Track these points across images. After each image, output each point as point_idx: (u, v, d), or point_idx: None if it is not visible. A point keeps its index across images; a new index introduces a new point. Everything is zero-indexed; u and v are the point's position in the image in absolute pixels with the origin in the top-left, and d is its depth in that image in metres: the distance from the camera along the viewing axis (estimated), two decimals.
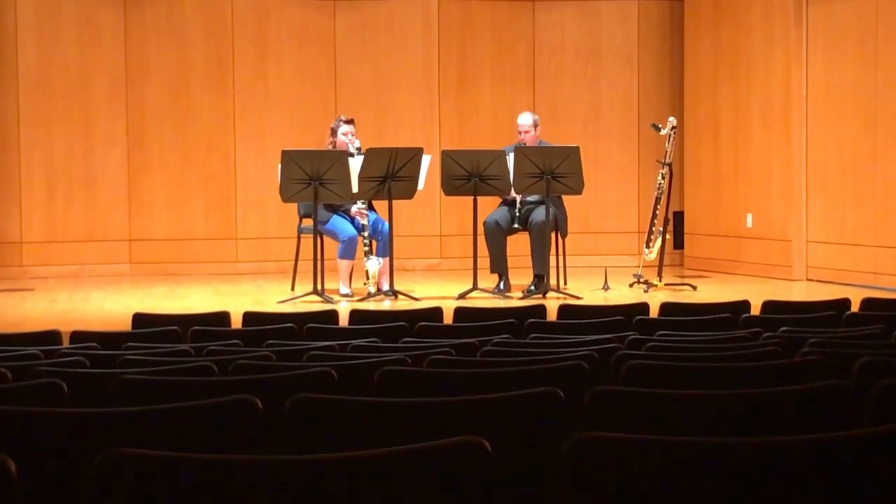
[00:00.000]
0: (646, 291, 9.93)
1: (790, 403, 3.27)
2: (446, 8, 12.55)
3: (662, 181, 10.35)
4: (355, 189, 9.30)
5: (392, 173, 9.32)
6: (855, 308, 6.71)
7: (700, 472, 2.36)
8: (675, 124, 10.42)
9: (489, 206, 10.36)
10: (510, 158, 9.54)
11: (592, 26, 12.78)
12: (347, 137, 9.90)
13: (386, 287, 9.56)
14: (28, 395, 3.56)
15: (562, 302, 8.36)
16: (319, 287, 9.33)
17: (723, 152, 12.01)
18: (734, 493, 2.37)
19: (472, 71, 12.64)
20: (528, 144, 9.96)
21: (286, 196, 9.27)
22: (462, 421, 3.11)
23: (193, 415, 3.06)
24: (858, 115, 10.61)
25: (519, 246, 10.33)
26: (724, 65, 11.96)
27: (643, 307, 6.80)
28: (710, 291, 10.08)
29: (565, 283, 10.08)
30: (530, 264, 9.81)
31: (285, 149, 9.49)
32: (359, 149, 9.78)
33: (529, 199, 9.96)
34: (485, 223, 9.97)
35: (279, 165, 9.26)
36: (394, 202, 9.54)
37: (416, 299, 9.34)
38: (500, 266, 9.89)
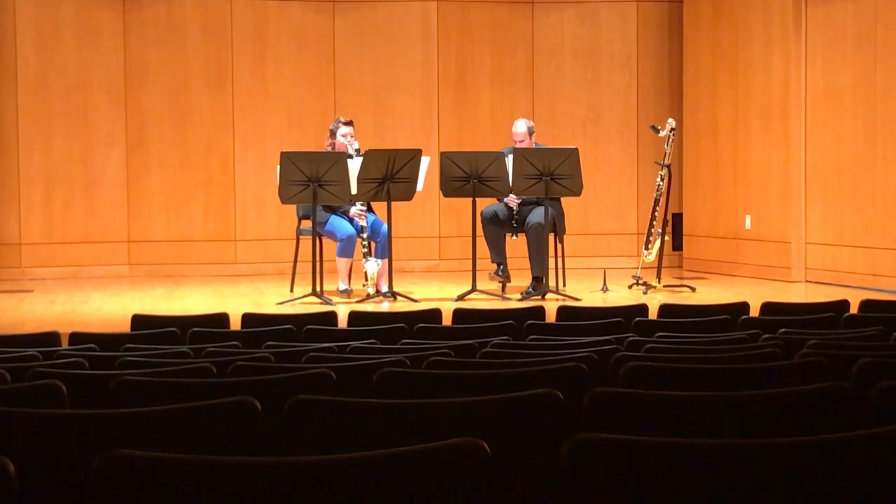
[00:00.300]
0: (645, 293, 9.93)
1: (789, 405, 3.27)
2: (445, 10, 12.55)
3: (661, 183, 10.35)
4: (354, 191, 9.30)
5: (391, 175, 9.32)
6: (854, 310, 6.71)
7: (699, 473, 2.36)
8: (673, 126, 10.42)
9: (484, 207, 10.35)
10: (509, 160, 9.54)
11: (591, 28, 12.78)
12: (346, 139, 9.90)
13: (385, 288, 9.56)
14: (27, 396, 3.56)
15: (561, 303, 8.35)
16: (318, 288, 9.33)
17: (722, 154, 12.01)
18: (733, 495, 2.37)
19: (471, 73, 12.64)
20: None
21: (285, 197, 9.27)
22: (461, 422, 3.11)
23: (192, 416, 3.06)
24: (857, 117, 10.61)
25: (518, 247, 10.33)
26: (723, 66, 11.96)
27: (642, 309, 6.80)
28: (709, 293, 10.08)
29: (564, 285, 10.08)
30: (529, 266, 9.82)
31: (284, 150, 9.50)
32: (358, 150, 9.78)
33: (525, 200, 9.96)
34: (482, 213, 9.99)
35: (278, 167, 9.26)
36: (393, 204, 9.54)
37: (415, 301, 9.34)
38: (499, 256, 9.91)
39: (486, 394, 3.29)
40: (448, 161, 9.67)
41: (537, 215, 9.73)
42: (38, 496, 2.93)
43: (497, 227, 10.00)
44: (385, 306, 9.24)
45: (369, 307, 9.05)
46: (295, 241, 10.28)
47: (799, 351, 4.44)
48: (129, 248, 12.13)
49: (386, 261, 9.65)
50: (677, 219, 12.48)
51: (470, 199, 9.79)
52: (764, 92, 11.45)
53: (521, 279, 10.03)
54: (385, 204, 9.53)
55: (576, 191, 9.56)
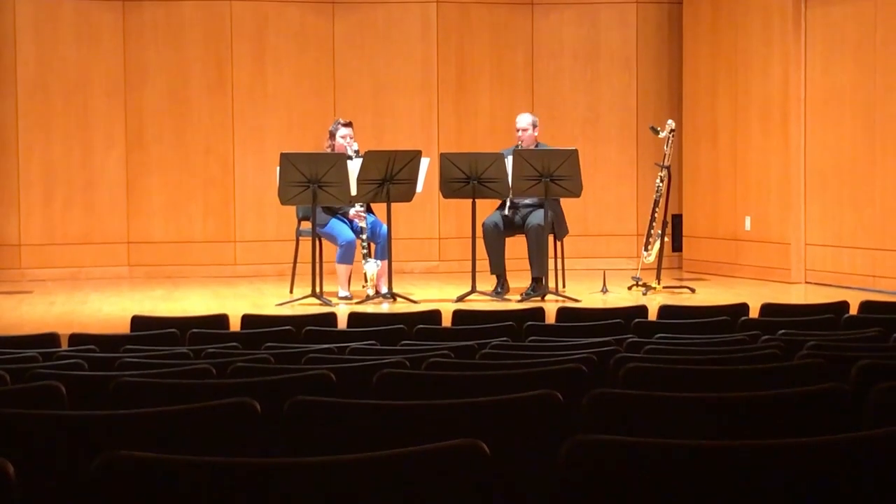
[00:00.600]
0: (644, 294, 9.93)
1: (788, 406, 3.27)
2: (445, 11, 12.55)
3: (661, 184, 10.35)
4: (354, 192, 9.30)
5: (390, 176, 9.32)
6: (853, 311, 6.71)
7: (698, 475, 2.36)
8: (673, 127, 10.42)
9: (488, 209, 10.35)
10: (509, 161, 9.54)
11: (591, 29, 12.79)
12: (346, 140, 9.90)
13: (384, 290, 9.56)
14: (26, 397, 3.56)
15: (560, 305, 8.35)
16: (318, 290, 9.33)
17: (721, 155, 12.01)
18: (732, 497, 2.37)
19: (471, 74, 12.64)
20: (525, 145, 9.98)
21: (284, 199, 9.27)
22: (460, 424, 3.11)
23: (192, 417, 3.06)
24: (857, 118, 10.61)
25: (517, 249, 10.33)
26: (722, 68, 11.96)
27: (642, 310, 6.80)
28: (709, 294, 10.07)
29: (564, 286, 10.08)
30: (528, 267, 9.82)
31: (284, 151, 9.49)
32: (357, 151, 9.78)
33: (525, 201, 9.96)
34: (483, 224, 9.98)
35: (277, 168, 9.26)
36: (392, 205, 9.54)
37: (414, 302, 9.34)
38: (498, 268, 9.91)
39: (486, 395, 3.29)
40: (448, 162, 9.67)
41: (538, 217, 9.74)
42: (37, 497, 2.93)
43: (498, 238, 9.97)
44: (385, 307, 9.24)
45: (369, 308, 9.06)
46: (294, 243, 10.28)
47: (798, 352, 4.44)
48: (129, 250, 12.13)
49: (385, 262, 9.65)
50: (677, 220, 12.48)
51: (470, 201, 9.79)
52: (763, 93, 11.45)
53: (521, 280, 10.03)
54: (385, 205, 9.53)
55: (575, 192, 9.56)
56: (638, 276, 10.31)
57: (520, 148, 9.90)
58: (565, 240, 10.21)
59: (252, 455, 2.92)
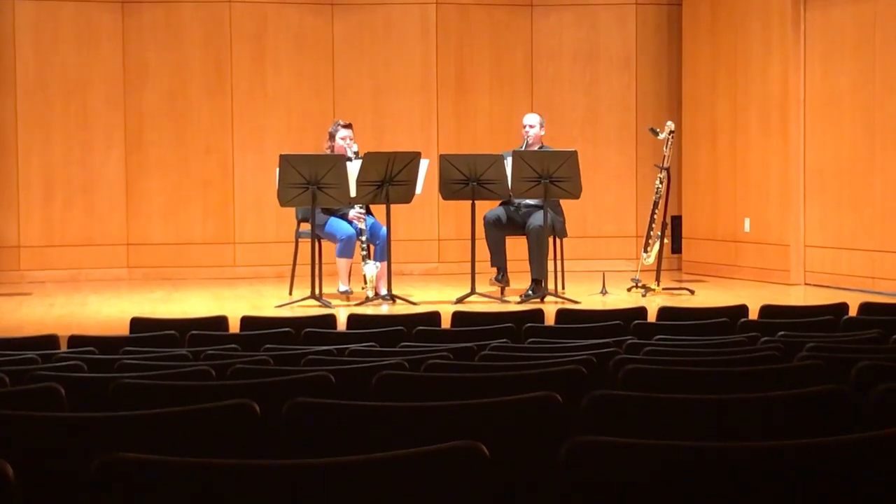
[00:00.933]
0: (644, 296, 9.93)
1: (788, 408, 3.27)
2: (444, 12, 12.56)
3: (660, 185, 10.35)
4: (353, 193, 9.30)
5: (390, 177, 9.32)
6: (853, 312, 6.71)
7: (698, 477, 2.36)
8: (672, 129, 10.42)
9: (487, 210, 10.35)
10: (508, 162, 9.54)
11: (590, 31, 12.79)
12: (345, 142, 9.91)
13: (384, 291, 9.56)
14: (26, 399, 3.56)
15: (560, 306, 8.35)
16: (317, 291, 9.33)
17: (721, 157, 12.01)
18: (732, 498, 2.37)
19: (470, 75, 12.65)
20: (531, 142, 10.01)
21: (284, 200, 9.27)
22: (460, 425, 3.10)
23: (191, 419, 3.06)
24: (856, 120, 10.61)
25: (517, 250, 10.33)
26: (722, 69, 11.97)
27: (641, 311, 6.80)
28: (708, 296, 10.07)
29: (563, 288, 10.08)
30: (528, 268, 9.82)
31: (283, 153, 9.49)
32: (356, 153, 9.78)
33: (528, 201, 9.97)
34: (485, 217, 10.01)
35: (277, 169, 9.26)
36: (392, 206, 9.54)
37: (413, 303, 9.34)
38: (499, 260, 9.93)
39: (485, 396, 3.29)
40: (447, 164, 9.67)
41: (539, 218, 9.74)
42: (37, 499, 2.92)
43: (499, 231, 10.00)
44: (384, 309, 9.24)
45: (368, 310, 9.06)
46: (294, 244, 10.28)
47: (798, 354, 4.44)
48: (128, 251, 12.13)
49: (385, 263, 9.65)
50: (676, 221, 12.48)
51: (469, 202, 9.80)
52: (763, 95, 11.45)
53: (521, 282, 10.03)
54: (384, 207, 9.53)
55: (575, 193, 9.56)
56: (637, 277, 10.31)
57: (525, 146, 9.94)
58: (565, 241, 10.21)
59: (251, 457, 2.92)
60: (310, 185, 9.12)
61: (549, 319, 6.94)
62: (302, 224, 10.11)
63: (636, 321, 6.14)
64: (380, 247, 9.81)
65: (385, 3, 12.49)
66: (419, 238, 12.41)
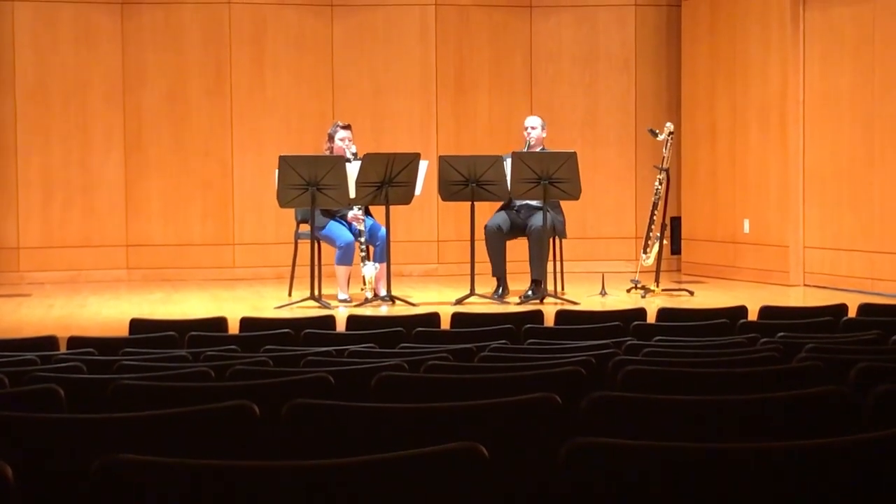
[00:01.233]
0: (643, 297, 9.93)
1: (787, 409, 3.27)
2: (444, 13, 12.56)
3: (660, 187, 10.35)
4: (352, 194, 9.30)
5: (389, 179, 9.32)
6: (852, 313, 6.71)
7: (697, 478, 2.36)
8: (672, 130, 10.42)
9: (487, 212, 10.36)
10: (507, 164, 9.55)
11: (590, 32, 12.79)
12: (345, 143, 9.90)
13: (383, 292, 9.56)
14: (25, 400, 3.56)
15: (559, 307, 8.35)
16: (317, 292, 9.33)
17: (720, 158, 12.01)
18: (731, 499, 2.37)
19: (470, 77, 12.65)
20: (533, 144, 10.02)
21: (283, 201, 9.27)
22: (459, 426, 3.10)
23: (190, 420, 3.06)
24: (855, 121, 10.62)
25: (517, 251, 10.33)
26: (721, 70, 11.97)
27: (640, 312, 6.80)
28: (708, 297, 10.08)
29: (562, 289, 10.08)
30: (528, 269, 9.82)
31: (282, 154, 9.49)
32: (356, 154, 9.78)
33: (529, 203, 9.97)
34: (486, 227, 10.00)
35: (276, 171, 9.26)
36: (391, 207, 9.54)
37: (413, 305, 9.34)
38: (499, 270, 9.92)
39: (485, 398, 3.28)
40: (446, 165, 9.67)
41: (540, 219, 9.74)
42: (36, 501, 2.92)
43: (500, 241, 9.97)
44: (383, 310, 9.24)
45: (367, 311, 9.06)
46: (293, 245, 10.28)
47: (797, 355, 4.44)
48: (128, 252, 12.13)
49: (384, 265, 9.65)
50: (676, 223, 12.48)
51: (468, 203, 9.80)
52: (762, 96, 11.45)
53: (520, 283, 10.03)
54: (383, 208, 9.53)
55: (574, 195, 9.56)
56: (637, 278, 10.31)
57: (527, 147, 9.94)
58: (564, 242, 10.21)
59: (251, 458, 2.92)
60: (309, 187, 9.12)
61: (549, 320, 6.94)
62: (301, 225, 10.11)
63: (635, 322, 6.14)
64: (379, 248, 9.80)
65: (384, 5, 12.49)
66: (418, 239, 12.41)
